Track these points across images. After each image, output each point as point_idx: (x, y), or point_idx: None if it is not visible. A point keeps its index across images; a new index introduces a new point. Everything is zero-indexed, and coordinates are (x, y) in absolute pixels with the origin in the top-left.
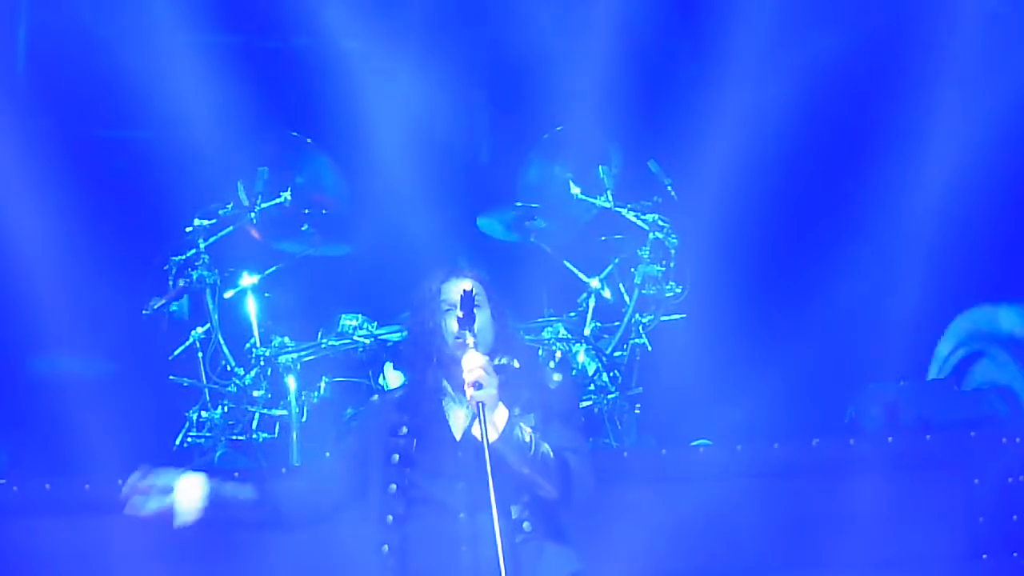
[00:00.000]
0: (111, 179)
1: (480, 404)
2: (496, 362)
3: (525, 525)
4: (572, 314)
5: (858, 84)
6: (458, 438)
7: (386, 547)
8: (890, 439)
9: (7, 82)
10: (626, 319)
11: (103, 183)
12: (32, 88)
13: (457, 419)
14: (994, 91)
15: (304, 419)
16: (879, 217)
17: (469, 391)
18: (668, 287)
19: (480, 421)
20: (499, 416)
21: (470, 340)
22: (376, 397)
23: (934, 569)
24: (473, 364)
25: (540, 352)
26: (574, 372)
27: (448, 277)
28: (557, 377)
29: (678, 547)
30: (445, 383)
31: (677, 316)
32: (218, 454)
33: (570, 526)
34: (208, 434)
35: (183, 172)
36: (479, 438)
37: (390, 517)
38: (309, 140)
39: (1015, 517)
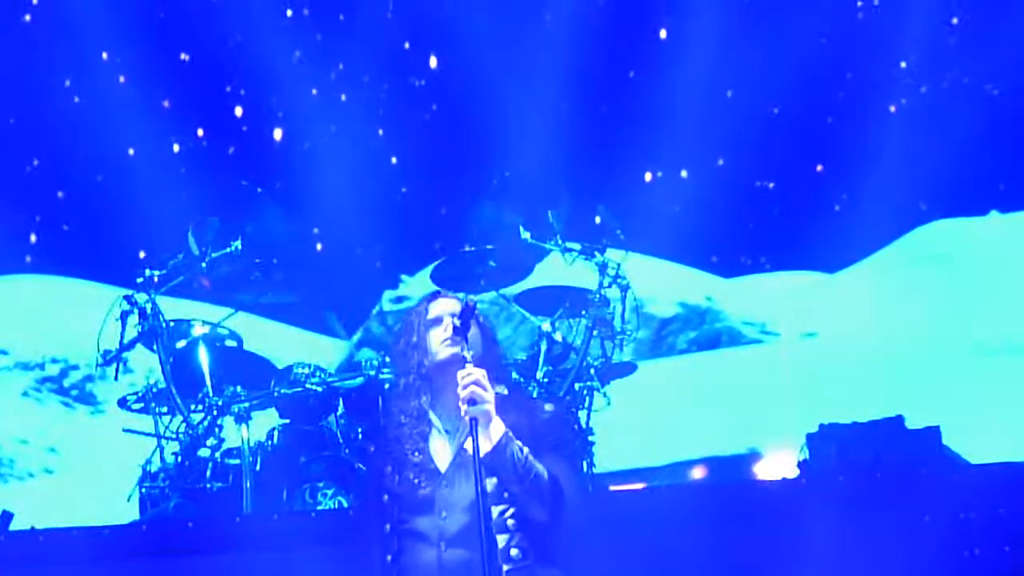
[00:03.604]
0: (66, 226)
1: (473, 420)
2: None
3: (514, 552)
4: (522, 356)
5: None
6: (443, 470)
7: None
8: (841, 478)
9: None
10: (578, 362)
11: (55, 230)
12: None
13: (442, 450)
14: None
15: (257, 468)
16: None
17: (463, 407)
18: (618, 330)
19: (473, 437)
20: (494, 431)
21: (467, 353)
22: (372, 447)
23: None
24: (468, 379)
25: None
26: None
27: (435, 296)
28: (549, 407)
29: None
30: (430, 411)
31: (627, 359)
32: (172, 504)
33: (562, 554)
34: (162, 484)
35: (133, 222)
36: (471, 452)
37: (389, 556)
38: (259, 189)
39: (966, 553)
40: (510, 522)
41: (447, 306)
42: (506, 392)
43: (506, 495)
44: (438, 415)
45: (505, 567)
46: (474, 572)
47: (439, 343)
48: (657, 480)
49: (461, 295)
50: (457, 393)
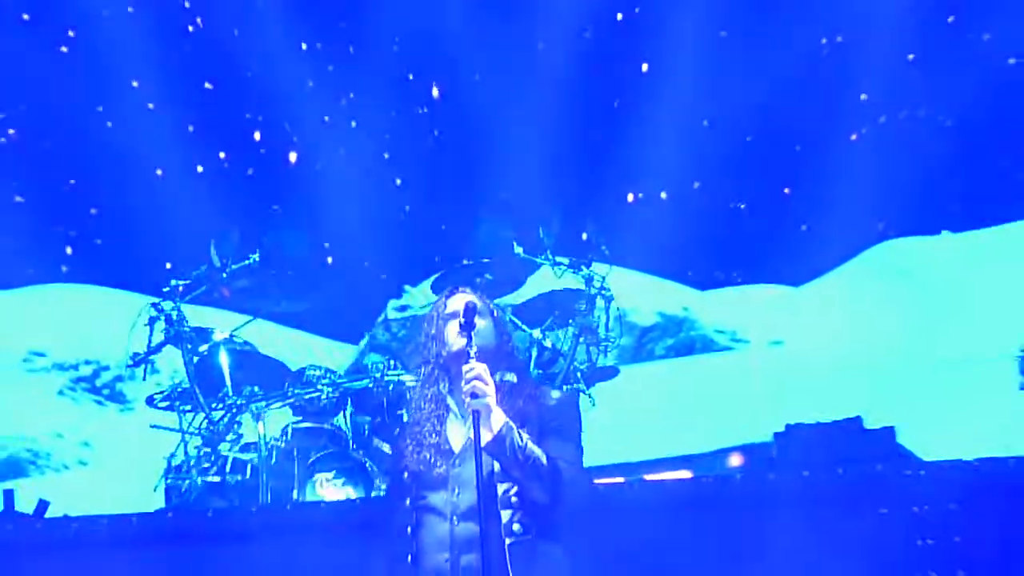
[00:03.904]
0: (99, 239)
1: (475, 412)
2: (496, 378)
3: (516, 527)
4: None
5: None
6: (456, 451)
7: (409, 557)
8: (806, 473)
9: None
10: (565, 366)
11: (89, 243)
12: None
13: (456, 431)
14: None
15: (273, 461)
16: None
17: (466, 400)
18: (602, 337)
19: (474, 427)
20: (495, 421)
21: (472, 349)
22: (397, 430)
23: None
24: (471, 374)
25: None
26: None
27: (454, 292)
28: (555, 394)
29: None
30: (448, 397)
31: (611, 363)
32: (194, 495)
33: (564, 531)
34: (186, 476)
35: (160, 236)
36: (474, 443)
37: (408, 529)
38: (275, 207)
39: (919, 543)
40: (514, 499)
41: (463, 301)
42: (515, 379)
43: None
44: (455, 400)
45: (508, 540)
46: (478, 544)
47: (454, 335)
48: (637, 474)
49: (473, 293)
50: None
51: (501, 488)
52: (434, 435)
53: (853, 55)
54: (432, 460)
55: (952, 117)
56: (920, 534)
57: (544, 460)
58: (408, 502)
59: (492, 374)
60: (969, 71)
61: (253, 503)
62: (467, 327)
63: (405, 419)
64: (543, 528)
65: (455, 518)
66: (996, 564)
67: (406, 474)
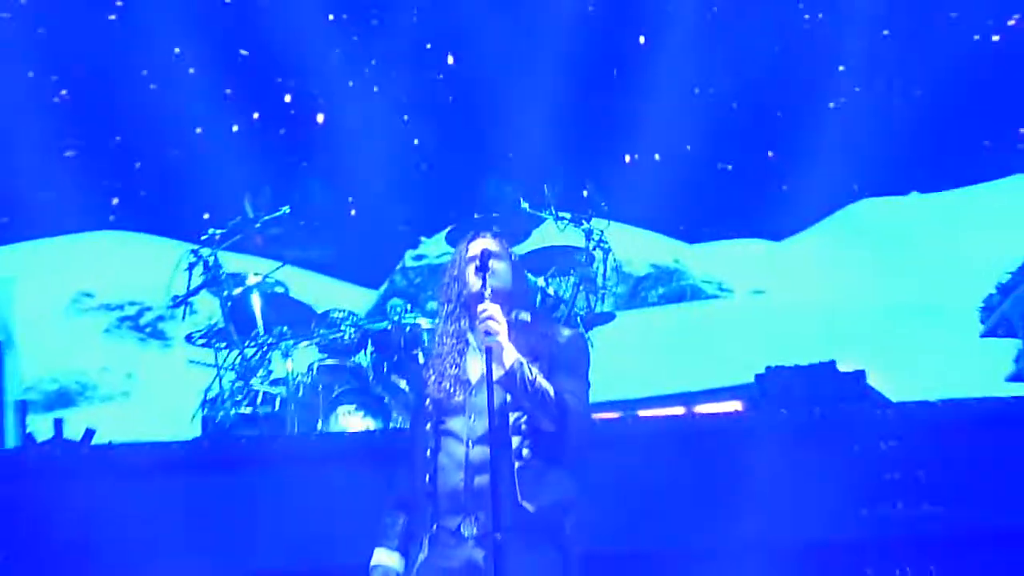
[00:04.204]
0: (143, 191)
1: (488, 349)
2: (512, 316)
3: (525, 452)
4: None
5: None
6: (473, 381)
7: (427, 476)
8: (784, 412)
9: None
10: (566, 312)
11: (134, 194)
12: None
13: (474, 363)
14: None
15: (299, 395)
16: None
17: (480, 336)
18: (600, 285)
19: (487, 363)
20: (506, 357)
21: (487, 291)
22: (422, 358)
23: (823, 522)
24: (484, 314)
25: None
26: None
27: (475, 237)
28: (567, 332)
29: (603, 506)
30: (468, 332)
31: (608, 309)
32: (228, 425)
33: (569, 458)
34: (220, 407)
35: (199, 188)
36: (486, 378)
37: (428, 451)
38: (304, 164)
39: (887, 476)
40: (523, 427)
41: (483, 245)
42: (529, 318)
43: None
44: (475, 335)
45: (517, 464)
46: (490, 466)
47: (474, 277)
48: (632, 410)
49: (493, 238)
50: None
51: (512, 417)
52: (454, 367)
53: (832, 30)
54: (452, 389)
55: (921, 88)
56: (888, 468)
57: (552, 393)
58: (429, 427)
59: (508, 313)
60: (937, 46)
61: (281, 433)
62: (482, 269)
63: (420, 358)
64: (550, 454)
65: (471, 442)
66: (958, 495)
67: (428, 401)
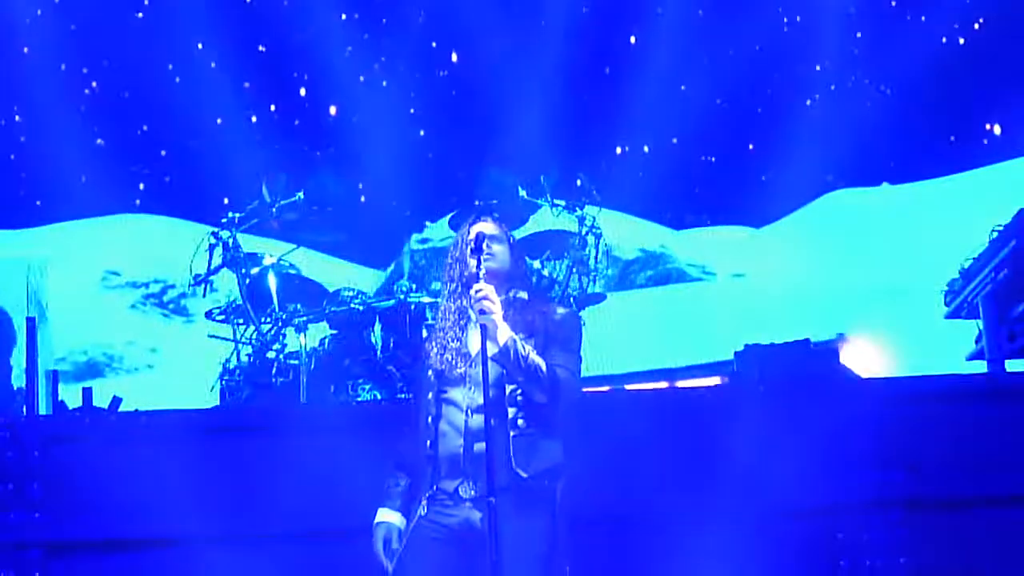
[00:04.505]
0: (167, 177)
1: (483, 326)
2: (510, 295)
3: (520, 422)
4: None
5: (734, 113)
6: (473, 354)
7: (428, 442)
8: (761, 387)
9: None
10: (560, 292)
11: (159, 180)
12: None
13: (475, 338)
14: None
15: (312, 367)
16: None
17: (474, 315)
18: (592, 268)
19: (482, 339)
20: (500, 335)
21: (481, 271)
22: (425, 333)
23: (796, 488)
24: (479, 295)
25: None
26: None
27: (477, 220)
28: (561, 310)
29: (589, 474)
30: (469, 309)
31: (599, 290)
32: (245, 394)
33: (561, 429)
34: (238, 378)
35: (219, 175)
36: (482, 354)
37: (429, 418)
38: (318, 153)
39: (857, 445)
40: (518, 399)
41: (481, 228)
42: (527, 297)
43: (518, 377)
44: (474, 312)
45: (512, 432)
46: (487, 433)
47: (472, 259)
48: (620, 384)
49: (493, 221)
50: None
51: (508, 389)
52: (456, 340)
53: (809, 33)
54: (453, 361)
55: (892, 86)
56: (858, 439)
57: (544, 367)
58: (431, 396)
59: (507, 292)
60: (907, 47)
61: (295, 402)
62: (476, 252)
63: (424, 333)
64: (543, 425)
65: (469, 411)
66: (923, 463)
67: (430, 372)
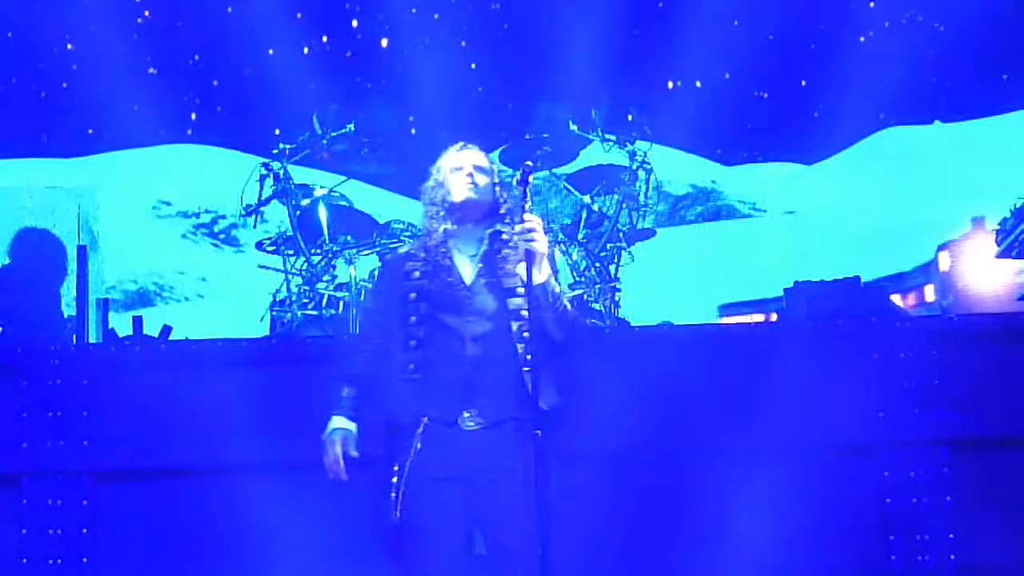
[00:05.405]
0: (219, 107)
1: (529, 252)
2: (496, 227)
3: (529, 357)
4: (567, 221)
5: (787, 49)
6: (468, 282)
7: (412, 365)
8: (810, 324)
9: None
10: (610, 227)
11: (211, 110)
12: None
13: (465, 266)
14: None
15: (361, 299)
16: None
17: (523, 244)
18: (642, 203)
19: (528, 266)
20: (544, 268)
21: (528, 203)
22: (388, 255)
23: (843, 424)
24: (531, 224)
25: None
26: (569, 267)
27: (463, 147)
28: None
29: (640, 409)
30: (449, 240)
31: (648, 226)
32: (295, 325)
33: (565, 363)
34: (288, 309)
35: (271, 106)
36: (526, 281)
37: (413, 342)
38: (369, 85)
39: (905, 384)
40: (525, 334)
41: (466, 156)
42: (508, 231)
43: (523, 313)
44: (457, 239)
45: (524, 368)
46: (491, 364)
47: (458, 185)
48: (668, 319)
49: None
50: (480, 226)
51: (515, 324)
52: (447, 260)
53: None
54: (449, 281)
55: (945, 23)
56: (905, 377)
57: (570, 308)
58: (414, 319)
59: (491, 226)
60: None
61: (344, 333)
62: (523, 183)
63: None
64: (551, 359)
65: (470, 341)
66: (969, 402)
67: (413, 294)
